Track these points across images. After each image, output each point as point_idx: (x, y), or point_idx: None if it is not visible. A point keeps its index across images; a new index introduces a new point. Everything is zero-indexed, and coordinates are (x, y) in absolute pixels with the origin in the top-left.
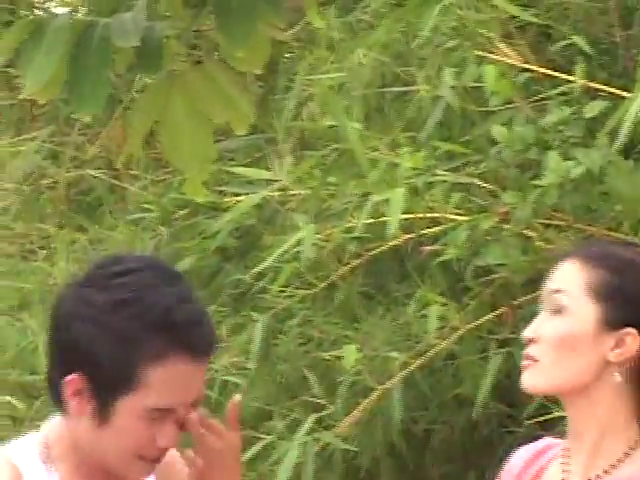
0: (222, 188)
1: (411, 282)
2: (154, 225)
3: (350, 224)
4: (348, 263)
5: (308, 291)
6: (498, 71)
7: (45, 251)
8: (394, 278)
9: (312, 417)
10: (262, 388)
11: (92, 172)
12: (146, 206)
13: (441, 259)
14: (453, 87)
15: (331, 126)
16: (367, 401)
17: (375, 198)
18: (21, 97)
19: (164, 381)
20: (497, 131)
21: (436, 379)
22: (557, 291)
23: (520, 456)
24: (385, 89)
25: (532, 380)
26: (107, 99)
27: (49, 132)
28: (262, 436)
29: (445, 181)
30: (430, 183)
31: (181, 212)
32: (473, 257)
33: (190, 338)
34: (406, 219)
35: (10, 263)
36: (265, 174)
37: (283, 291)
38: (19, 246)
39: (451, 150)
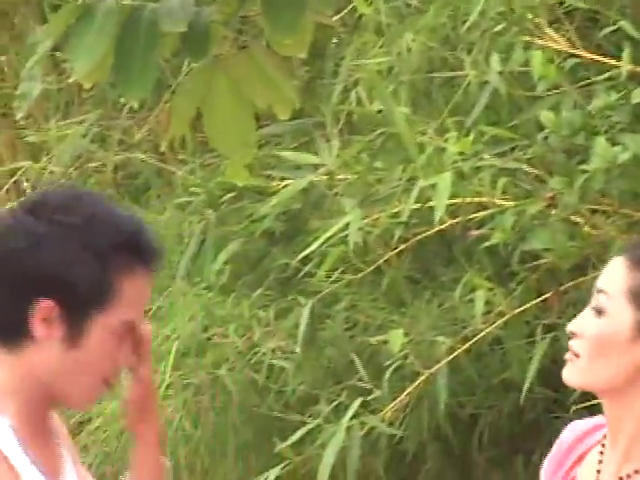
0: (269, 172)
1: (458, 267)
2: (201, 209)
3: (397, 209)
4: (395, 248)
5: (354, 276)
6: (545, 56)
7: None
8: (441, 263)
9: (358, 401)
10: (308, 372)
11: (140, 155)
12: (193, 190)
13: (487, 244)
14: (500, 72)
15: (378, 110)
16: (413, 386)
17: (422, 183)
18: (70, 81)
19: (132, 294)
20: (544, 116)
21: (482, 364)
22: (600, 291)
23: (573, 430)
24: (432, 74)
25: (571, 374)
26: (154, 83)
27: (96, 116)
28: (308, 420)
29: (492, 166)
30: (477, 168)
31: (228, 196)
32: (520, 242)
33: (150, 253)
34: (453, 204)
35: None
36: (312, 158)
37: (329, 275)
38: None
39: (498, 135)
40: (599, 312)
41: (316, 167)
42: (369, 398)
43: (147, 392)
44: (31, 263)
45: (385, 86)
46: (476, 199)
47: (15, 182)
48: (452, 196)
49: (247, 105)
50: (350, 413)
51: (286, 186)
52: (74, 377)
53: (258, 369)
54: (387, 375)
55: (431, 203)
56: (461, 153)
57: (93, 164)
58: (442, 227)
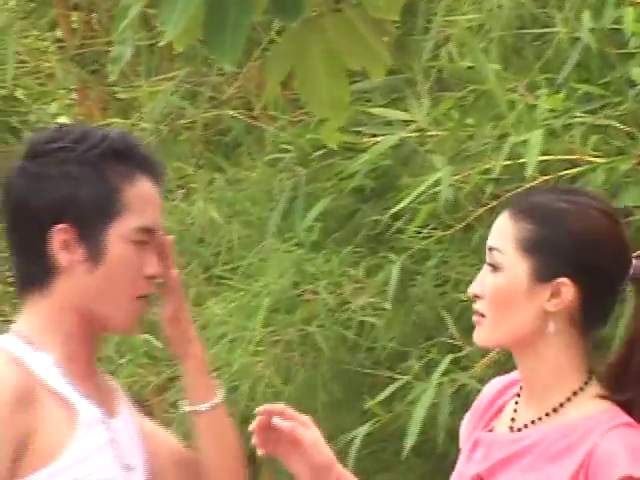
0: (360, 129)
1: None
2: (292, 166)
3: (488, 165)
4: (485, 204)
5: (445, 232)
6: (637, 13)
7: (183, 191)
8: None
9: (448, 358)
10: (398, 329)
11: (230, 112)
12: (284, 147)
13: None
14: (592, 29)
15: (469, 67)
16: None
17: (513, 139)
18: (161, 44)
19: (139, 200)
20: (636, 73)
21: None
22: (492, 249)
23: (492, 385)
24: (523, 31)
25: (480, 335)
26: (245, 41)
27: (186, 73)
28: (398, 377)
29: (583, 123)
30: (568, 125)
31: (318, 153)
32: (611, 199)
33: (146, 162)
34: (544, 161)
35: None
36: (403, 115)
37: (420, 232)
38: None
39: (589, 92)
40: (495, 268)
41: (407, 124)
42: (459, 355)
43: (178, 305)
44: (36, 199)
45: (476, 43)
46: (567, 156)
47: None
48: (543, 153)
49: (340, 66)
50: (440, 370)
51: (377, 143)
52: (106, 296)
53: (348, 326)
54: None
55: (522, 160)
56: (552, 110)
57: (183, 121)
58: (533, 184)
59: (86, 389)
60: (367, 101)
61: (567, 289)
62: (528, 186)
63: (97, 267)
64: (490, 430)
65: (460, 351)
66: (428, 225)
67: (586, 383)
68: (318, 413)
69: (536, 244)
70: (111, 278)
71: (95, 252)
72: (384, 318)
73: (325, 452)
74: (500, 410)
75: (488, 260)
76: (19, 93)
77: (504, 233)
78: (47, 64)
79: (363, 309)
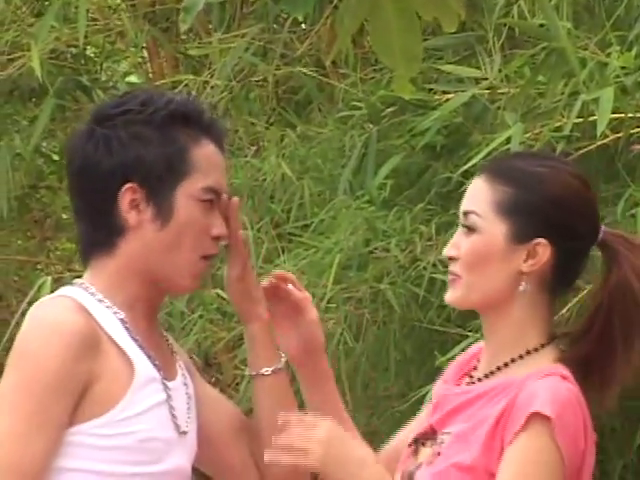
0: (431, 86)
1: (620, 182)
2: (363, 123)
3: (559, 123)
4: None
5: None
6: None
7: (254, 147)
8: (603, 179)
9: None
10: None
11: (302, 69)
12: (355, 104)
13: None
14: None
15: (541, 24)
16: (574, 300)
17: (584, 97)
18: None
19: (205, 161)
20: None
21: None
22: (468, 212)
23: (477, 345)
24: None
25: (454, 295)
26: None
27: (258, 30)
28: (469, 334)
29: None
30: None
31: (389, 110)
32: None
33: (210, 125)
34: (615, 119)
35: None
36: (474, 72)
37: None
38: (228, 142)
39: None
40: (471, 231)
41: (478, 81)
42: None
43: (244, 266)
44: (105, 161)
45: (548, 0)
46: (639, 115)
47: None
48: (615, 111)
49: (413, 18)
50: None
51: (448, 100)
52: (172, 256)
53: (419, 283)
54: None
55: (593, 118)
56: (623, 68)
57: (255, 78)
58: (604, 141)
59: (148, 348)
60: (438, 58)
61: (543, 250)
62: (599, 143)
63: (165, 226)
64: (458, 385)
65: None
66: None
67: (542, 345)
68: (389, 370)
69: (514, 206)
70: (178, 237)
71: (163, 211)
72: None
73: (321, 334)
74: (475, 367)
75: (463, 222)
76: (90, 51)
77: (480, 196)
78: (118, 22)
79: (434, 266)
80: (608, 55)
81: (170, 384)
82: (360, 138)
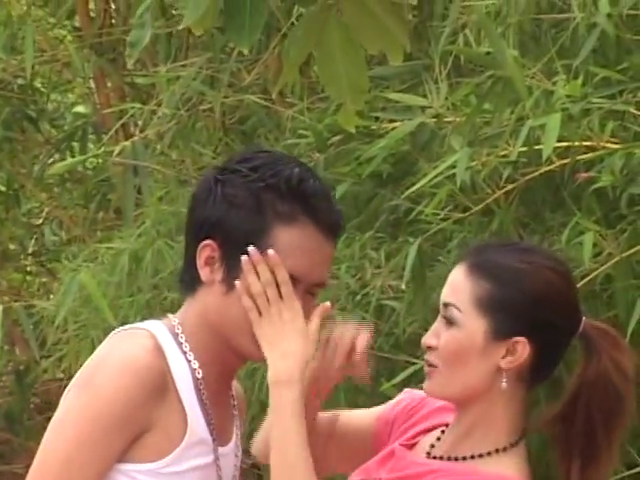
0: (377, 114)
1: (566, 211)
2: (309, 151)
3: (505, 151)
4: (504, 187)
5: (463, 215)
6: None
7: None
8: (549, 207)
9: None
10: (419, 313)
11: (251, 97)
12: (302, 132)
13: (596, 186)
14: (609, 15)
15: (487, 52)
16: None
17: (531, 123)
18: (180, 27)
19: (289, 244)
20: None
21: (590, 305)
22: (448, 304)
23: (405, 403)
24: (540, 16)
25: (431, 386)
26: (264, 28)
27: (205, 60)
28: (416, 361)
29: (600, 108)
30: (586, 110)
31: (336, 138)
32: (628, 185)
33: (317, 208)
34: (561, 147)
35: (166, 188)
36: (421, 100)
37: (437, 214)
38: (176, 172)
39: (607, 77)
40: (451, 324)
41: (424, 109)
42: None
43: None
44: (202, 210)
45: (494, 28)
46: (584, 143)
47: (123, 125)
48: (560, 139)
49: (359, 51)
50: None
51: (394, 128)
52: (239, 322)
53: (368, 309)
54: None
55: (539, 146)
56: (569, 96)
57: (203, 107)
58: (550, 167)
59: (209, 407)
60: (385, 87)
61: (522, 347)
62: (543, 170)
63: (229, 291)
64: (415, 444)
65: None
66: (446, 207)
67: (512, 445)
68: (335, 395)
69: (494, 303)
70: (241, 307)
71: (231, 277)
72: (404, 302)
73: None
74: (430, 430)
75: (443, 314)
76: (37, 82)
77: (460, 289)
78: (64, 52)
79: (383, 292)
80: (554, 83)
81: (221, 449)
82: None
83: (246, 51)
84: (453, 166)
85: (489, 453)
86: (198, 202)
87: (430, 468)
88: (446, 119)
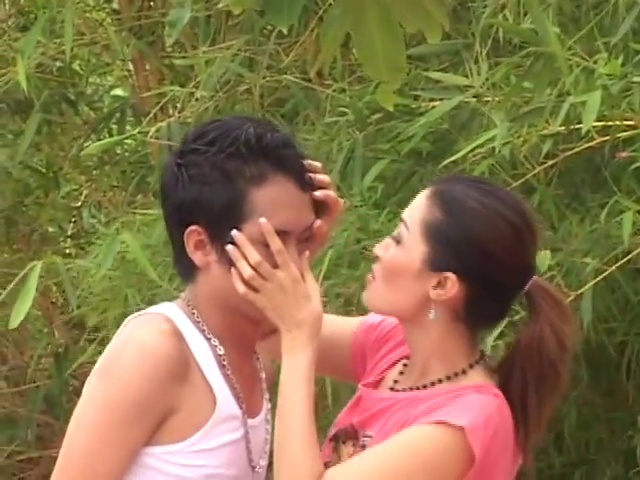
0: (417, 93)
1: (606, 190)
2: (349, 128)
3: (545, 130)
4: (543, 162)
5: None
6: None
7: None
8: (589, 187)
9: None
10: None
11: (289, 77)
12: (342, 110)
13: (636, 165)
14: None
15: (530, 29)
16: None
17: (572, 99)
18: (220, 6)
19: (269, 204)
20: None
21: (628, 283)
22: (402, 220)
23: (384, 327)
24: None
25: (367, 298)
26: (302, 9)
27: (244, 42)
28: None
29: None
30: (626, 89)
31: (375, 116)
32: None
33: (282, 158)
34: (601, 125)
35: None
36: (461, 80)
37: None
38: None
39: None
40: (397, 241)
41: (464, 88)
42: (515, 318)
43: None
44: (174, 198)
45: (536, 3)
46: (625, 122)
47: (161, 108)
48: (600, 118)
49: (397, 29)
50: (495, 333)
51: (434, 107)
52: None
53: None
54: None
55: (580, 125)
56: (609, 75)
57: (241, 88)
58: (591, 144)
59: (235, 381)
60: (425, 69)
61: (451, 284)
62: (583, 147)
63: (230, 268)
64: (381, 379)
65: (515, 315)
66: None
67: (464, 372)
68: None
69: (438, 234)
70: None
71: (226, 254)
72: None
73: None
74: (393, 364)
75: (397, 230)
76: (76, 65)
77: (416, 211)
78: (103, 35)
79: None
80: (595, 62)
81: (251, 421)
82: (346, 143)
83: (285, 30)
84: (493, 140)
85: (448, 377)
86: (168, 191)
87: (397, 399)
88: (486, 98)
